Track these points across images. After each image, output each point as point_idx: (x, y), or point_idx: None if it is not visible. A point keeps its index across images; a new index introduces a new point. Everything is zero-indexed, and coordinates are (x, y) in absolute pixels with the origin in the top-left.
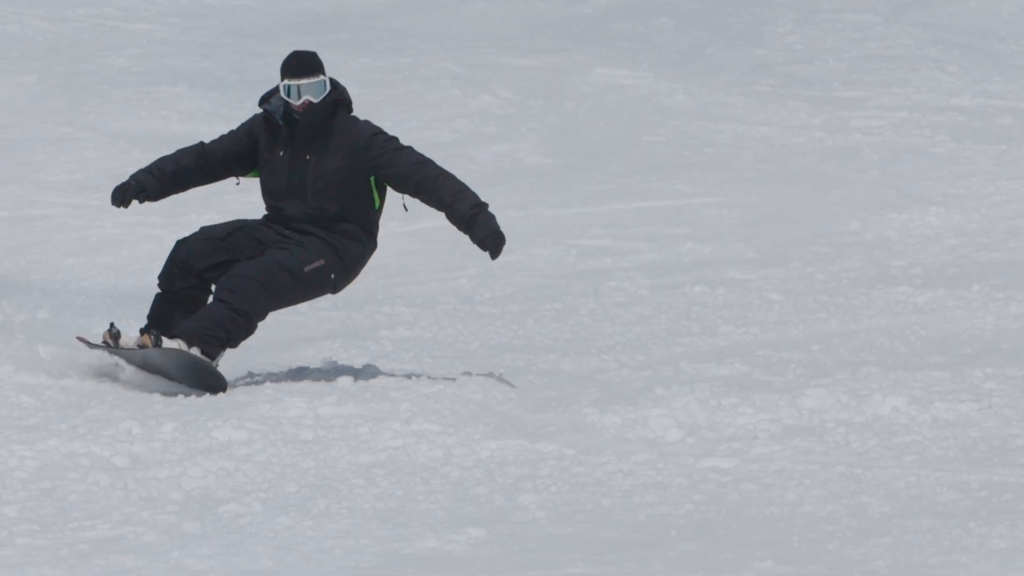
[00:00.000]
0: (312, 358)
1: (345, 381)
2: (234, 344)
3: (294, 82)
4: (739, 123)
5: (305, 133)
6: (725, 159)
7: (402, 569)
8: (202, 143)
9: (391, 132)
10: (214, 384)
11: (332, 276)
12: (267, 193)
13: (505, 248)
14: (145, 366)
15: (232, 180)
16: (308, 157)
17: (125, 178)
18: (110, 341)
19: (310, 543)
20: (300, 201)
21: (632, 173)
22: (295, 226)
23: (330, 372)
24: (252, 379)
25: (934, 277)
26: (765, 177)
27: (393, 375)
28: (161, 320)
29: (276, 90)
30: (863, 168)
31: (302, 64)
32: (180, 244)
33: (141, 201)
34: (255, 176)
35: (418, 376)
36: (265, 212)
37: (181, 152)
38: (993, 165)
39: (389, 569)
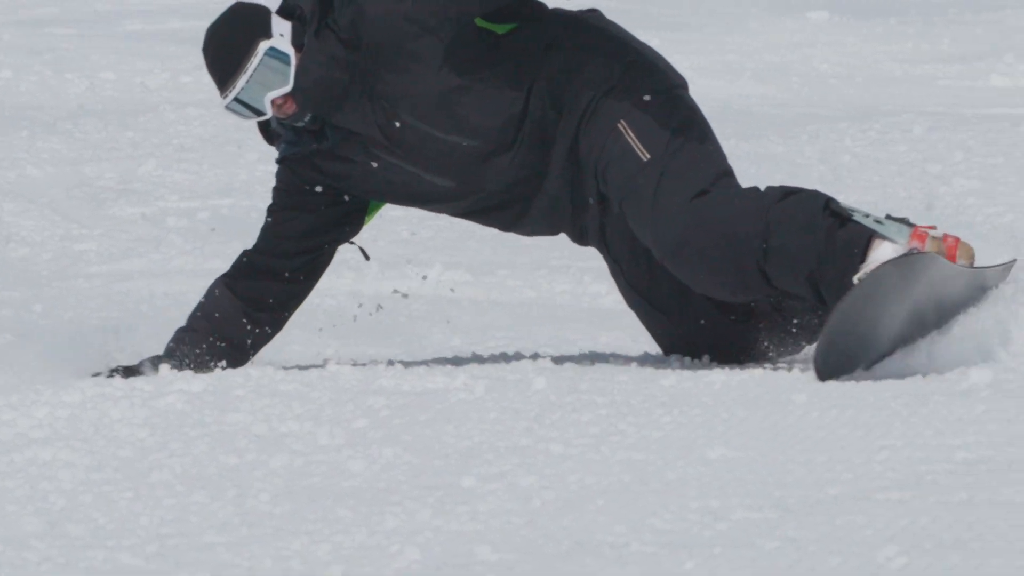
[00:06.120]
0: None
1: None
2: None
3: (232, 98)
4: None
5: (339, 115)
6: None
7: None
8: (244, 253)
9: None
10: None
11: (647, 97)
12: (431, 208)
13: None
14: None
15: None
16: (397, 124)
17: None
18: None
19: None
20: (476, 163)
21: None
22: (534, 186)
23: None
24: None
25: None
26: None
27: None
28: None
29: (265, 127)
30: None
31: (219, 65)
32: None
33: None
34: (371, 217)
35: None
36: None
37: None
38: None
39: None
